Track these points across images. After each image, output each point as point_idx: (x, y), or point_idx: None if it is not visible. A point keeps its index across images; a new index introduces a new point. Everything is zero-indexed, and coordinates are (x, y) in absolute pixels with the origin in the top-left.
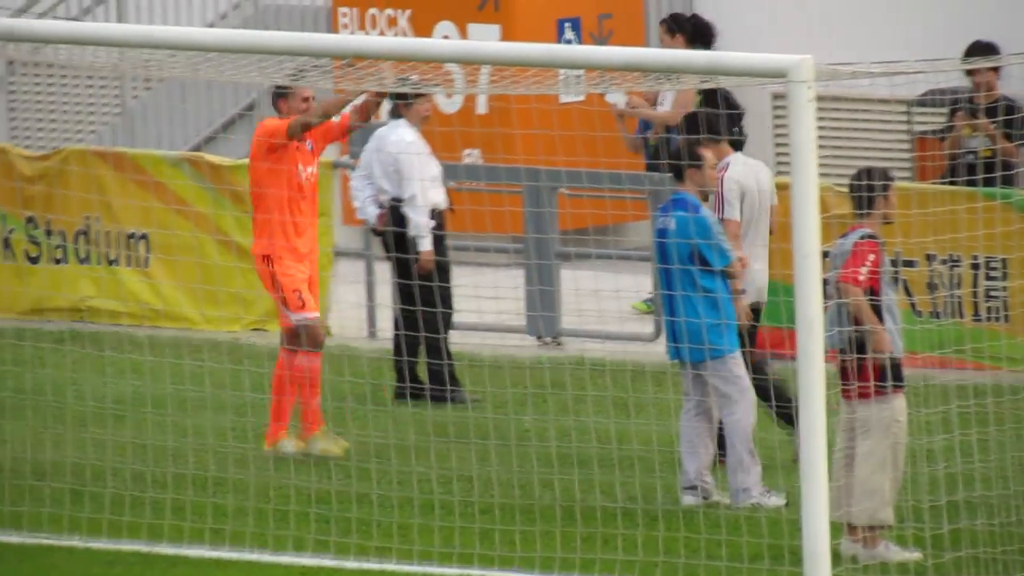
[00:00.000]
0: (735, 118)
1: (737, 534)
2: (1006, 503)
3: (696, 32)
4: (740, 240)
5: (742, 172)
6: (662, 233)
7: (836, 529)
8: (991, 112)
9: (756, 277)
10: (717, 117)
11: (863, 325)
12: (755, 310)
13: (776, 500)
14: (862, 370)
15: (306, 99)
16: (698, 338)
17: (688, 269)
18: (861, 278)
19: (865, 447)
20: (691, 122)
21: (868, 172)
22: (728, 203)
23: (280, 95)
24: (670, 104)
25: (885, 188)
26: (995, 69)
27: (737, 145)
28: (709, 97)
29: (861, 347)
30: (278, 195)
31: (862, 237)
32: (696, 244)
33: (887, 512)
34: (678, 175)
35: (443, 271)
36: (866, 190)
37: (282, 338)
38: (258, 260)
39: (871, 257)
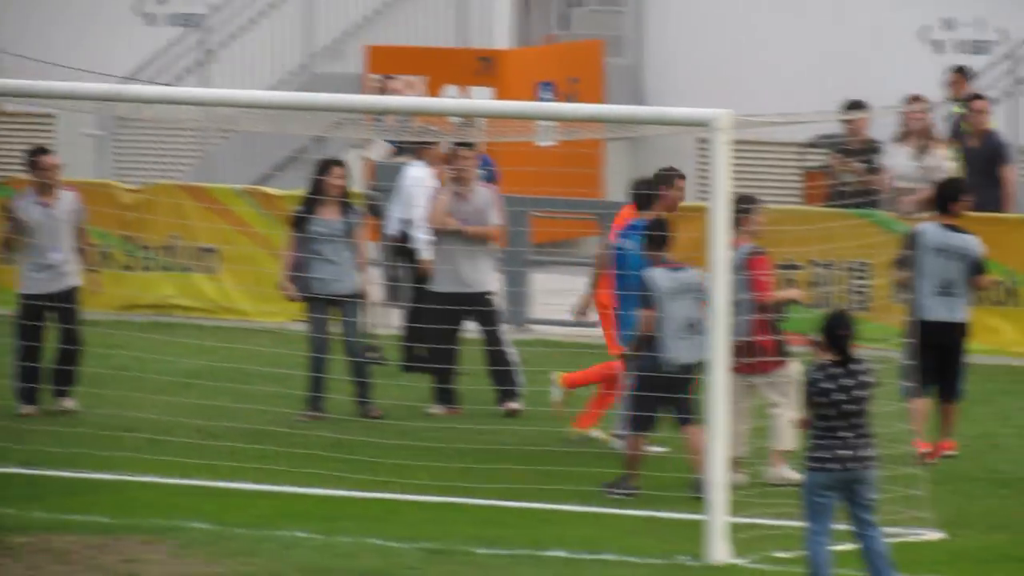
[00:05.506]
0: None
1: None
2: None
3: None
4: None
5: None
6: (621, 247)
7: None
8: (861, 151)
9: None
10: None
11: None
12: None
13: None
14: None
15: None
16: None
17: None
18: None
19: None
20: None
21: (739, 197)
22: None
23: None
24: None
25: (748, 211)
26: (863, 119)
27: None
28: None
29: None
30: None
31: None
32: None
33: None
34: (641, 205)
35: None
36: (741, 212)
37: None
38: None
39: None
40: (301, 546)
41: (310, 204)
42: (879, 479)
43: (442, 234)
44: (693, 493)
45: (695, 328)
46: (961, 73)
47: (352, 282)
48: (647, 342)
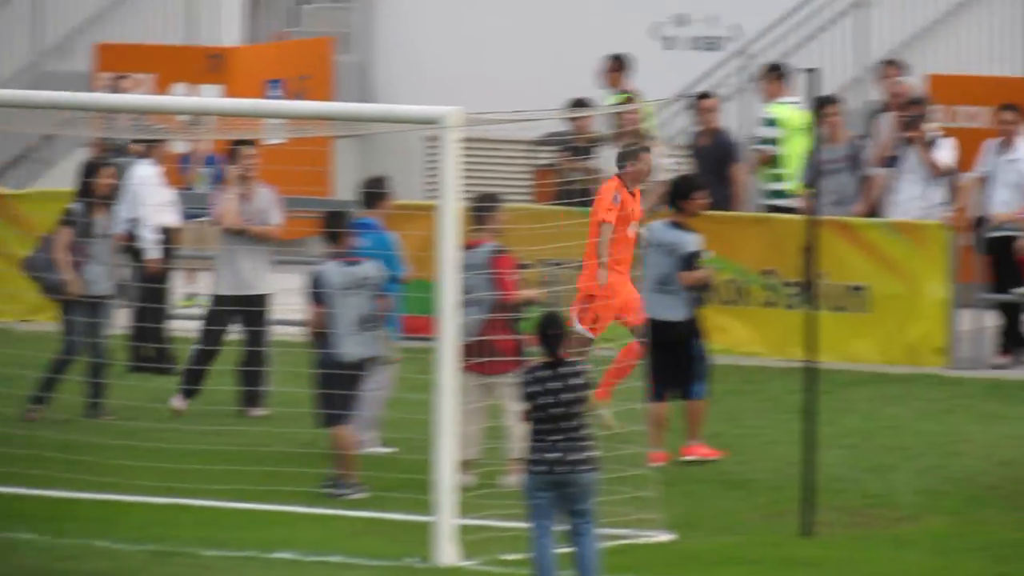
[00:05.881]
0: None
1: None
2: None
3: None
4: None
5: None
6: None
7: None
8: (587, 150)
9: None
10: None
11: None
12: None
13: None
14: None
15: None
16: None
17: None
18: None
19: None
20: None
21: (482, 196)
22: None
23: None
24: None
25: (491, 209)
26: (589, 117)
27: None
28: None
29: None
30: None
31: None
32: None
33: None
34: (368, 204)
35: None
36: (483, 210)
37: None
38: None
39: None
40: (26, 548)
41: (82, 205)
42: (604, 481)
43: (228, 235)
44: (329, 490)
45: (368, 324)
46: (618, 61)
47: (111, 282)
48: (320, 338)
